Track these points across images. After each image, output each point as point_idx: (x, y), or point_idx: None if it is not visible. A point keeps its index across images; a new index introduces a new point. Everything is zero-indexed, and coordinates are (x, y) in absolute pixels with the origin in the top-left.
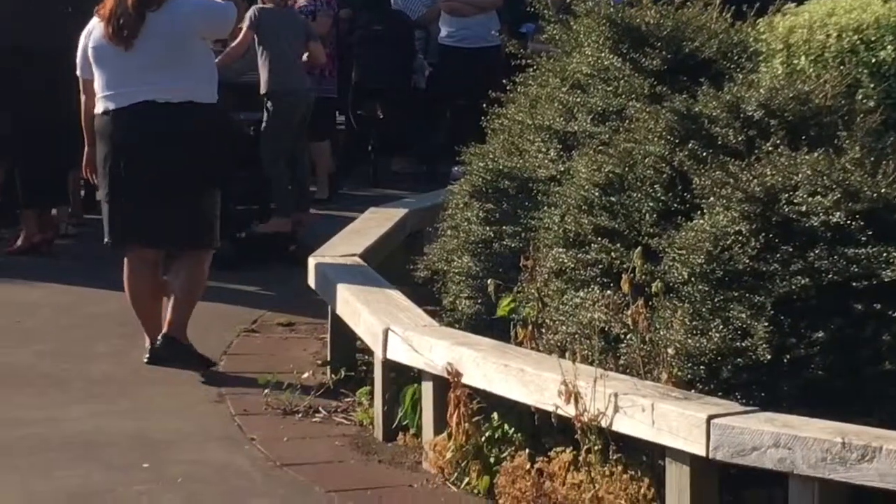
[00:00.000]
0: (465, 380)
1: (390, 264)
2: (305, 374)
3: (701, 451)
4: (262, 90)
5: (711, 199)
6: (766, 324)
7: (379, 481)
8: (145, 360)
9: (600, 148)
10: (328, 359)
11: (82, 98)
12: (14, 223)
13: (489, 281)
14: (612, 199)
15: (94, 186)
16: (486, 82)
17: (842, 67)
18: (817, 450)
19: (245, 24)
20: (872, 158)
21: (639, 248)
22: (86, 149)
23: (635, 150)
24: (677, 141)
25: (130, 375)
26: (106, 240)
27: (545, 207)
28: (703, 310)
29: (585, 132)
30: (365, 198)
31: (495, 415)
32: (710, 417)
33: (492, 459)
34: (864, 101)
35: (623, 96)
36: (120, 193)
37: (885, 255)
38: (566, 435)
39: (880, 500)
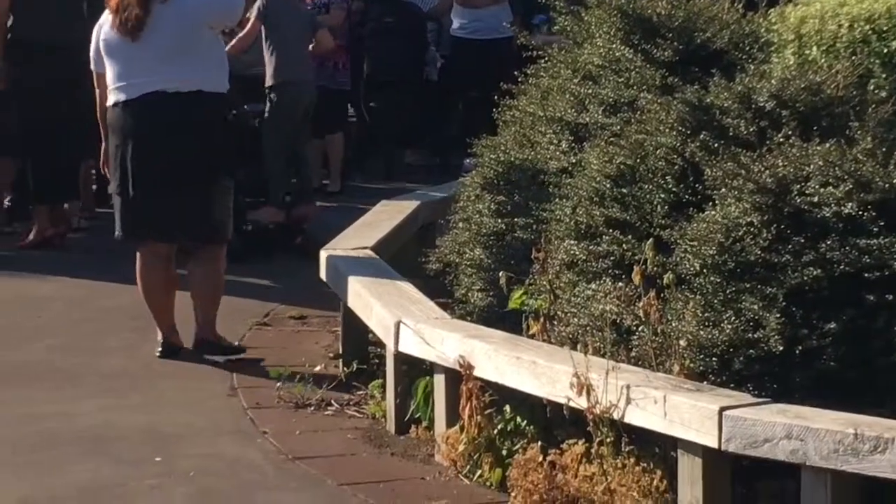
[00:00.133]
0: (477, 372)
1: (402, 256)
2: (317, 368)
3: (713, 443)
4: (267, 82)
5: (723, 190)
6: (779, 315)
7: (391, 474)
8: (157, 354)
9: (612, 139)
10: (340, 352)
11: (97, 92)
12: (26, 217)
13: (501, 273)
14: (624, 190)
15: (106, 180)
16: (498, 74)
17: (853, 58)
18: (829, 441)
19: (253, 15)
20: (884, 149)
21: (650, 239)
22: (102, 144)
23: (647, 141)
24: (689, 132)
25: (142, 369)
26: (117, 233)
27: (557, 199)
28: (715, 301)
29: (597, 123)
30: (377, 190)
31: (507, 407)
32: (723, 409)
33: (504, 452)
34: (876, 91)
35: (634, 87)
36: (132, 185)
37: None
38: (578, 427)
39: (893, 492)
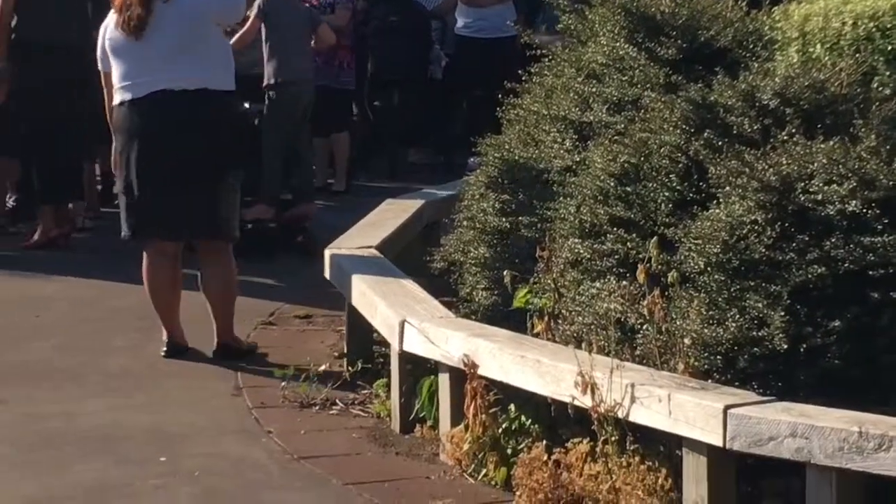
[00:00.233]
0: (481, 371)
1: (407, 256)
2: (322, 367)
3: (718, 442)
4: (266, 80)
5: (727, 188)
6: (783, 313)
7: (396, 473)
8: (162, 354)
9: (616, 138)
10: (345, 351)
11: (105, 91)
12: (31, 218)
13: (505, 272)
14: (628, 189)
15: (110, 180)
16: (502, 73)
17: (857, 55)
18: (834, 439)
19: (253, 13)
20: (888, 146)
21: (654, 238)
22: (112, 144)
23: (651, 139)
24: (693, 130)
25: (147, 369)
26: (124, 233)
27: (561, 198)
28: (720, 299)
29: (601, 122)
30: (381, 189)
31: (512, 406)
32: (727, 407)
33: (509, 451)
34: (880, 88)
35: (638, 86)
36: (138, 184)
37: None
38: (583, 426)
39: None
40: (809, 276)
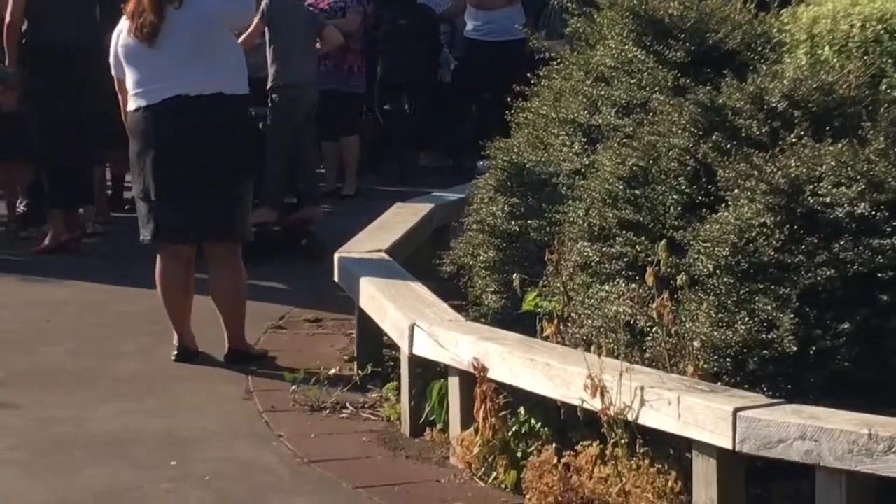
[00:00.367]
0: (491, 374)
1: (417, 259)
2: (332, 370)
3: (727, 444)
4: (269, 83)
5: (736, 191)
6: (792, 315)
7: (406, 477)
8: (173, 358)
9: (624, 141)
10: (355, 354)
11: (120, 97)
12: (41, 222)
13: (515, 275)
14: (637, 192)
15: (120, 185)
16: (511, 76)
17: (866, 57)
18: (844, 442)
19: (257, 16)
20: None
21: (663, 241)
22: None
23: (659, 142)
24: (701, 133)
25: (158, 374)
26: (143, 237)
27: (570, 201)
28: (729, 302)
29: (609, 125)
30: (391, 192)
31: (522, 409)
32: (737, 410)
33: (519, 454)
34: (889, 90)
35: (647, 89)
36: (156, 189)
37: None
38: (592, 429)
39: None
40: (818, 278)
